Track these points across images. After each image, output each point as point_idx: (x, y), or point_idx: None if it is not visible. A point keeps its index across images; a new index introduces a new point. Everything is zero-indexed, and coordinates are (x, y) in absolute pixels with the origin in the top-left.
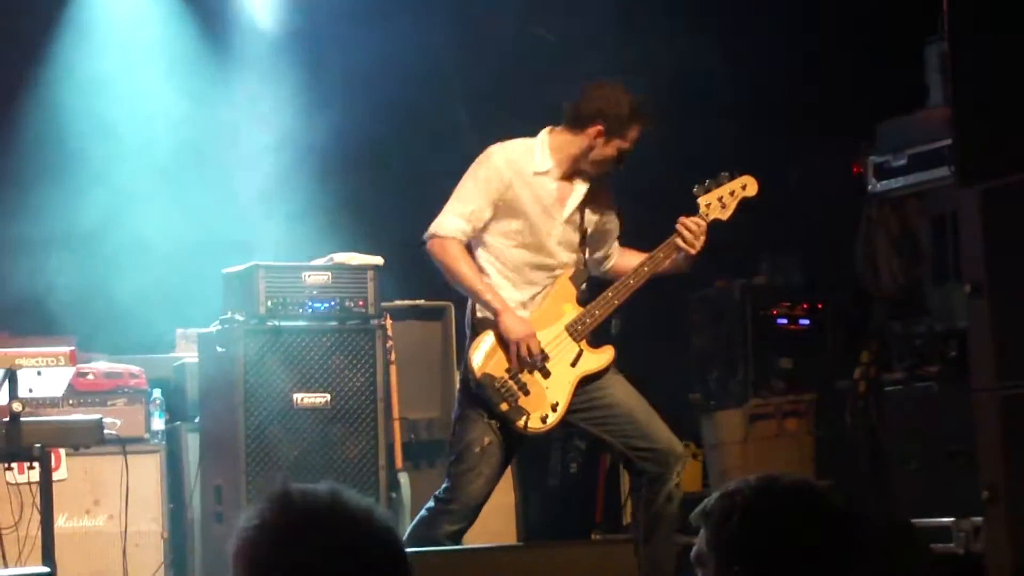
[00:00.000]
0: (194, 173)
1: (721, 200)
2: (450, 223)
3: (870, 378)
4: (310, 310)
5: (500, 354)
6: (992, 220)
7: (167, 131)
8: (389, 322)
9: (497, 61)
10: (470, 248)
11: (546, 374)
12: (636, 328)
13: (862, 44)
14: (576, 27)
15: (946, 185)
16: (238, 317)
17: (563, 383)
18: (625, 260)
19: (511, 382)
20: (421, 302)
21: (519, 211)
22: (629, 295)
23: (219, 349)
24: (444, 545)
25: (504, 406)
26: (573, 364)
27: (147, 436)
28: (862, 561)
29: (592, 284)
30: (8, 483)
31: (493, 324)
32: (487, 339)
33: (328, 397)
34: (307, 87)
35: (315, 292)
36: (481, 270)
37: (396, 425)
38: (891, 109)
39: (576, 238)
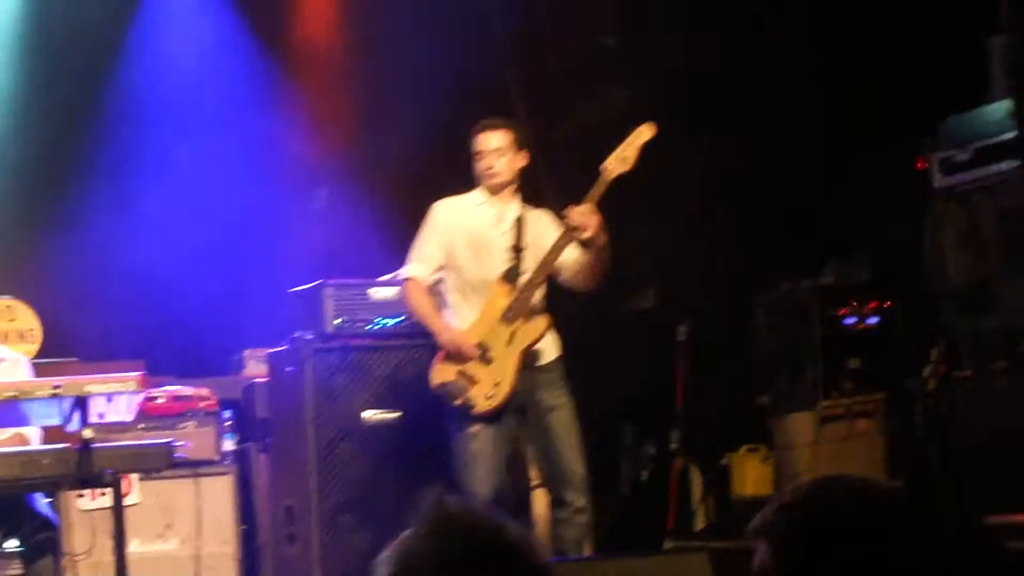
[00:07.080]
0: (260, 194)
1: (622, 155)
2: (410, 268)
3: (940, 376)
4: (378, 326)
5: (446, 363)
6: None
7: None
8: None
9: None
10: (441, 281)
11: (488, 361)
12: (703, 333)
13: (924, 39)
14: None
15: (1012, 178)
16: (307, 336)
17: (505, 363)
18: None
19: (459, 380)
20: None
21: (465, 244)
22: (544, 275)
23: (288, 368)
24: None
25: (458, 401)
26: (509, 343)
27: (218, 458)
28: (935, 564)
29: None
30: (81, 510)
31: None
32: (437, 356)
33: (399, 413)
34: (364, 108)
35: (382, 309)
36: (446, 297)
37: None
38: (954, 104)
39: (515, 248)
